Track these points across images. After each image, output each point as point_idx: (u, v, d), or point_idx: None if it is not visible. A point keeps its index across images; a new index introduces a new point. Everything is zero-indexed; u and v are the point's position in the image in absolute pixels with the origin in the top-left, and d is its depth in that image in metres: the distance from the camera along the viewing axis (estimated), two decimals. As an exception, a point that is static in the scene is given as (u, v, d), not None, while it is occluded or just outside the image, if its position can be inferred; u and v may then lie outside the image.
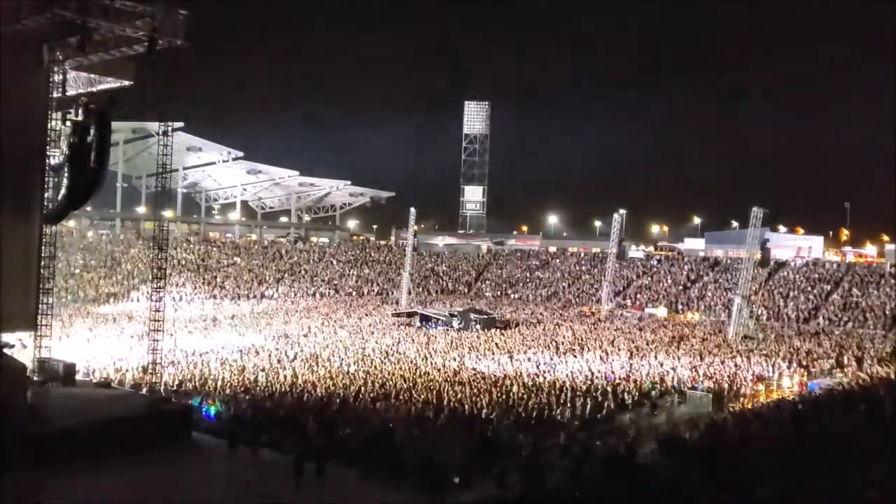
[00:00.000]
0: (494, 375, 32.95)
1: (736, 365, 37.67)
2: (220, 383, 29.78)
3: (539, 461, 20.53)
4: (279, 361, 35.43)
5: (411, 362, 36.21)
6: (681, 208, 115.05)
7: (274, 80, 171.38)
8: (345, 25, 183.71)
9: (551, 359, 38.25)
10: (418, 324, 53.23)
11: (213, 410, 25.35)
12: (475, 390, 29.30)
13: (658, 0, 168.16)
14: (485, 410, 26.13)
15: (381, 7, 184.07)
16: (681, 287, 74.02)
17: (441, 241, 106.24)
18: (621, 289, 75.16)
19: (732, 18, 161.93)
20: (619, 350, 42.06)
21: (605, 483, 18.37)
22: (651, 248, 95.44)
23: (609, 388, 30.48)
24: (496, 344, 43.60)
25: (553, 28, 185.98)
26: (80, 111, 24.24)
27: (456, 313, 53.81)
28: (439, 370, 34.04)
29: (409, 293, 71.59)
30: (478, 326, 51.54)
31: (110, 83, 26.93)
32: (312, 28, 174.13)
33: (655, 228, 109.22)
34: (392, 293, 77.20)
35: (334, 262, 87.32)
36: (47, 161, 25.06)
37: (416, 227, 77.15)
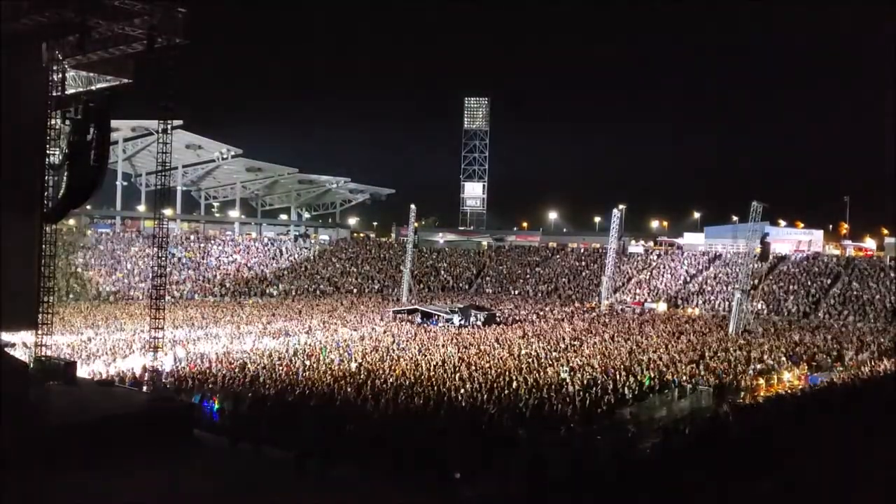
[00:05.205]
0: (495, 371, 32.96)
1: (736, 359, 37.72)
2: (221, 380, 29.81)
3: (540, 455, 20.54)
4: (280, 359, 35.45)
5: (412, 359, 36.23)
6: (680, 203, 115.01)
7: (273, 76, 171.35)
8: (344, 21, 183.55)
9: (551, 354, 38.26)
10: (419, 320, 53.23)
11: (214, 408, 25.38)
12: (476, 385, 29.34)
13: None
14: (486, 405, 26.18)
15: (380, 2, 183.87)
16: (681, 282, 74.06)
17: (441, 237, 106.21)
18: (621, 284, 75.23)
19: (733, 14, 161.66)
20: (620, 345, 42.08)
21: (605, 477, 18.38)
22: (651, 243, 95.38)
23: (609, 383, 30.49)
24: (497, 340, 43.65)
25: (553, 22, 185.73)
26: (79, 110, 24.26)
27: (457, 309, 53.83)
28: (440, 366, 34.05)
29: (410, 290, 71.70)
30: (478, 322, 51.66)
31: (110, 81, 26.92)
32: (312, 24, 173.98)
33: (655, 223, 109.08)
34: (393, 290, 77.25)
35: (334, 259, 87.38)
36: (47, 160, 25.06)
37: (416, 224, 77.21)
